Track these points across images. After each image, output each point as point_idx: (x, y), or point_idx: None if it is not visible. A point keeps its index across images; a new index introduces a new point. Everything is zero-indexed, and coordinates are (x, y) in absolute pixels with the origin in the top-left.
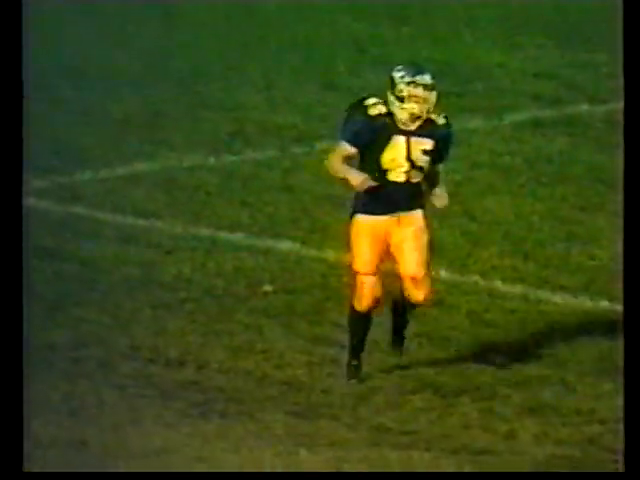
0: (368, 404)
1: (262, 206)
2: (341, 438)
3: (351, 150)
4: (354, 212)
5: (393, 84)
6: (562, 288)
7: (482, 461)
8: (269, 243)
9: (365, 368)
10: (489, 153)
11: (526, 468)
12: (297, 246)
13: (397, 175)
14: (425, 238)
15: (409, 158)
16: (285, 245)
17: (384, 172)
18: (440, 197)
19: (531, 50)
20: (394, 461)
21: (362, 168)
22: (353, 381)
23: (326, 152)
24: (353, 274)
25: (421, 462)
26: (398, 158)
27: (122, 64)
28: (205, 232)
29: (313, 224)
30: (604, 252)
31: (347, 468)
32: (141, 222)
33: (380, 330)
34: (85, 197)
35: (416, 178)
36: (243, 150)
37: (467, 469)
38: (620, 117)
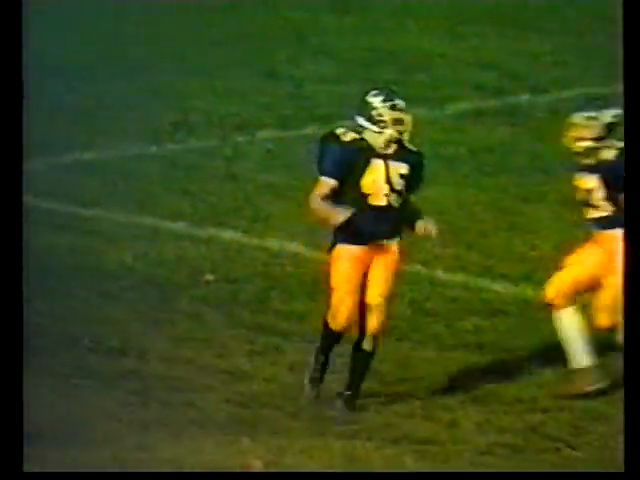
0: None
1: (204, 195)
2: (283, 427)
3: (331, 183)
4: (335, 242)
5: (371, 108)
6: (503, 277)
7: (424, 450)
8: (211, 232)
9: (308, 357)
10: (431, 143)
11: (468, 457)
12: (239, 235)
13: (378, 199)
14: (395, 269)
15: (388, 181)
16: (227, 234)
17: (365, 197)
18: (425, 225)
19: (473, 40)
20: (336, 450)
21: (342, 194)
22: (311, 395)
23: (268, 140)
24: (330, 291)
25: (363, 451)
26: (378, 181)
27: (69, 54)
28: (147, 221)
29: (255, 213)
30: (545, 242)
31: (289, 457)
32: (83, 211)
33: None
34: (29, 185)
35: (396, 202)
36: (186, 139)
37: (409, 458)
38: (561, 106)
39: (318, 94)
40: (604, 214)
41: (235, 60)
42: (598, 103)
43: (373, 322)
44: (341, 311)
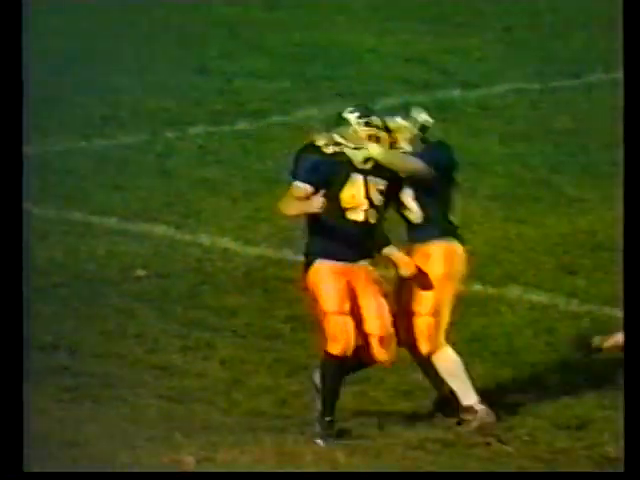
0: (242, 388)
1: (135, 190)
2: (215, 422)
3: (306, 189)
4: (312, 257)
5: (346, 125)
6: None
7: (355, 445)
8: (143, 227)
9: (239, 352)
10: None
11: (399, 452)
12: (171, 230)
13: (356, 214)
14: (381, 291)
15: (367, 196)
16: (159, 229)
17: (343, 211)
18: (406, 265)
19: (403, 35)
20: (268, 445)
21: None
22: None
23: (200, 135)
24: (323, 316)
25: (295, 446)
26: (357, 196)
27: None
28: (78, 216)
29: (187, 208)
30: (476, 236)
31: (221, 452)
32: None
33: (251, 314)
34: None
35: (373, 218)
36: (116, 134)
37: (340, 453)
38: (492, 102)
39: (249, 89)
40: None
41: (166, 55)
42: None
43: (382, 354)
44: (343, 332)
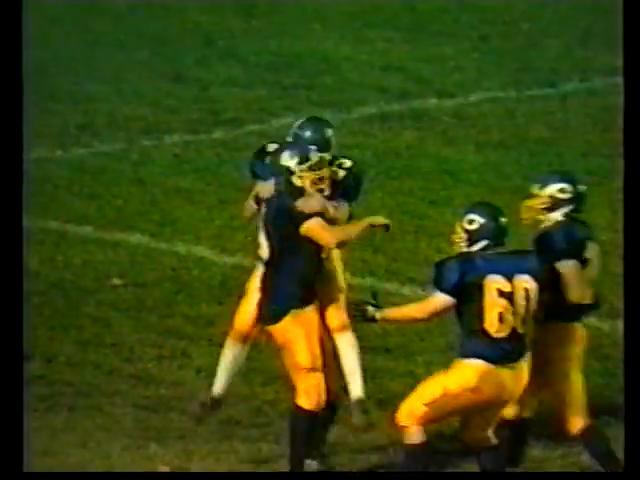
0: None
1: (111, 199)
2: (191, 431)
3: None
4: (290, 306)
5: (288, 173)
6: (410, 280)
7: (333, 454)
8: (118, 236)
9: (215, 361)
10: (338, 147)
11: (381, 461)
12: (147, 239)
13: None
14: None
15: None
16: (135, 238)
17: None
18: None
19: (379, 43)
20: (244, 454)
21: (296, 243)
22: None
23: (176, 144)
24: (298, 370)
25: (270, 454)
26: None
27: None
28: (53, 225)
29: (163, 217)
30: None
31: (196, 461)
32: None
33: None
34: None
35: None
36: (91, 143)
37: (314, 462)
38: (468, 111)
39: (225, 97)
40: None
41: (141, 63)
42: None
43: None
44: (316, 389)
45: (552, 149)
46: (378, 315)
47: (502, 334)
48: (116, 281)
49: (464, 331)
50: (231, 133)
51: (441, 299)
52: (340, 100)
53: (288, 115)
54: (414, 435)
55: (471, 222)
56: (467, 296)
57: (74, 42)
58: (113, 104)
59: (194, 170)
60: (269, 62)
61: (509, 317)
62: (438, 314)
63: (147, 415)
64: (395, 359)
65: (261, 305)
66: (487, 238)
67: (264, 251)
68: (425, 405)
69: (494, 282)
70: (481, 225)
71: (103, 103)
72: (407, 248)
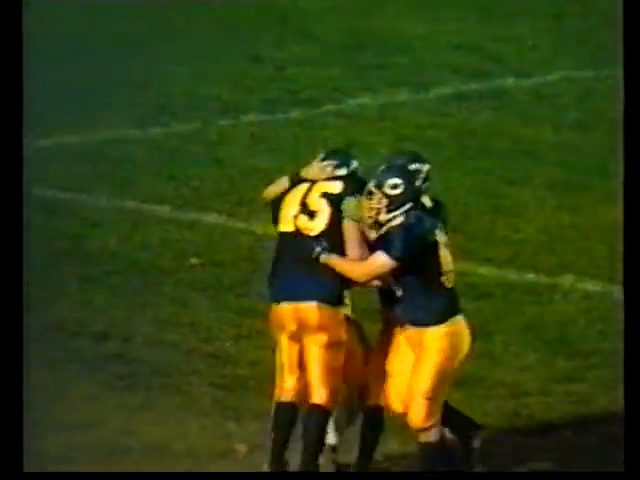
0: None
1: (188, 179)
2: (268, 410)
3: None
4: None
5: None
6: (488, 260)
7: (407, 435)
8: (195, 216)
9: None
10: (415, 127)
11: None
12: (224, 219)
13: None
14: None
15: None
16: (212, 218)
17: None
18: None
19: (454, 23)
20: None
21: None
22: None
23: (253, 124)
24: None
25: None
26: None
27: (48, 37)
28: (131, 205)
29: (240, 197)
30: (529, 225)
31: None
32: (67, 195)
33: None
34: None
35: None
36: (169, 123)
37: (392, 443)
38: (545, 90)
39: (301, 77)
40: None
41: (218, 44)
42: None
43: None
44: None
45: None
46: (323, 257)
47: (451, 285)
48: (193, 261)
49: (421, 290)
50: (308, 113)
51: (385, 260)
52: (416, 80)
53: (364, 95)
54: (432, 434)
55: (395, 187)
56: (423, 255)
57: (151, 23)
58: (190, 84)
59: (271, 150)
60: (344, 42)
61: (451, 267)
62: (377, 278)
63: (224, 394)
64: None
65: None
66: (411, 201)
67: None
68: (431, 399)
69: (440, 236)
70: (405, 189)
71: (180, 84)
72: (484, 228)
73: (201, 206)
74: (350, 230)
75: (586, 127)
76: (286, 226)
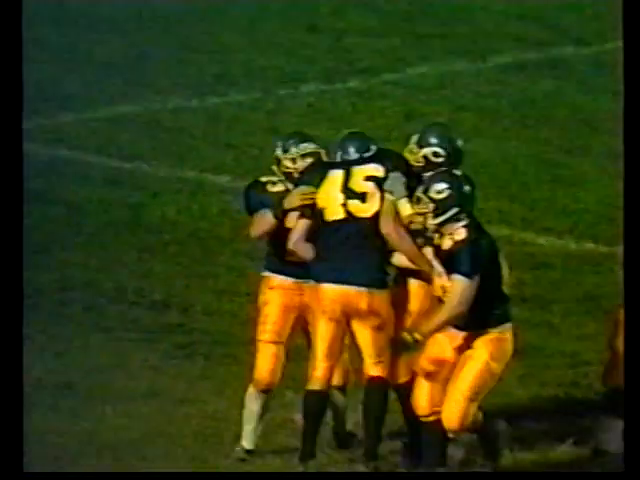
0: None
1: (247, 148)
2: None
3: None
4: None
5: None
6: (547, 230)
7: None
8: None
9: None
10: (473, 95)
11: (512, 409)
12: None
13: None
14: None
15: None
16: None
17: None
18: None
19: None
20: None
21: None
22: None
23: (311, 93)
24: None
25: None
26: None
27: (106, 8)
28: (190, 174)
29: None
30: (589, 195)
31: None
32: (126, 165)
33: None
34: (70, 140)
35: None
36: (227, 92)
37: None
38: (606, 58)
39: (360, 47)
40: None
41: (277, 13)
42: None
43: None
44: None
45: None
46: (417, 335)
47: (508, 291)
48: None
49: (483, 298)
50: (366, 82)
51: (464, 283)
52: (475, 49)
53: (423, 64)
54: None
55: (440, 192)
56: (491, 265)
57: None
58: (249, 54)
59: (329, 119)
60: (404, 11)
61: (508, 274)
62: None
63: None
64: (531, 309)
65: None
66: (457, 206)
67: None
68: (471, 400)
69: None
70: (450, 193)
71: (239, 53)
72: (543, 197)
73: (260, 175)
74: (387, 203)
75: None
76: (335, 215)
